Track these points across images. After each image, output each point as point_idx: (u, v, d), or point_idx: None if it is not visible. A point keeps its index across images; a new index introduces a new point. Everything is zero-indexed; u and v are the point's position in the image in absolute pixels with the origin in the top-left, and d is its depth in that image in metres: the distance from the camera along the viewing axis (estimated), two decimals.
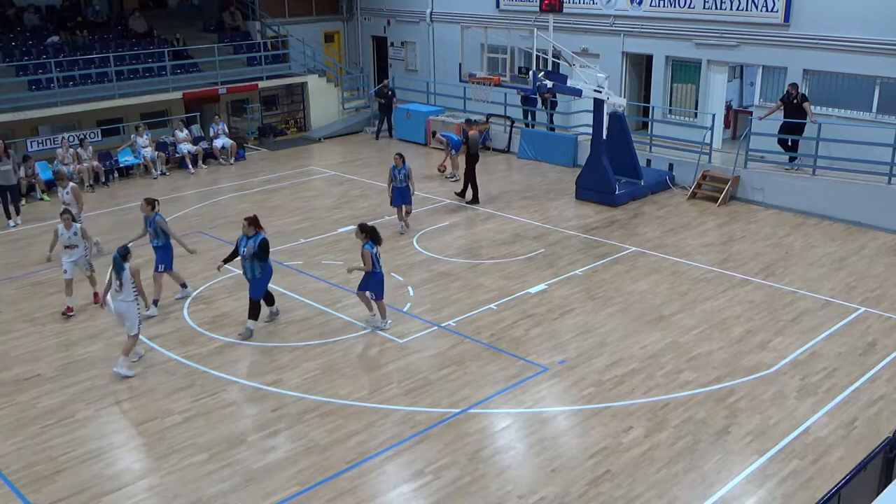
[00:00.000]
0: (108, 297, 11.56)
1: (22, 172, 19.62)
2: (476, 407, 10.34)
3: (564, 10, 19.12)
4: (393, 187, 16.53)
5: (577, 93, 18.26)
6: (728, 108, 21.90)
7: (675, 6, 21.07)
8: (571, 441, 9.66)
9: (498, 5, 25.20)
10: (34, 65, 22.38)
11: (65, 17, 25.24)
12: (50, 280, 14.77)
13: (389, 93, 26.20)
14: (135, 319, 11.19)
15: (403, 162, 16.49)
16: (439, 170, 21.03)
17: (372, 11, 29.96)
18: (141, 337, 12.32)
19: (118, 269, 11.07)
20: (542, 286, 14.08)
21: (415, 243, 16.20)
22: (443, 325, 12.65)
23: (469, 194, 18.83)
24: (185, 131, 23.04)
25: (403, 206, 16.75)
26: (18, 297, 14.11)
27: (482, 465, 9.16)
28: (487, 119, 24.28)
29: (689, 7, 20.79)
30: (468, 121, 18.18)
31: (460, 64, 19.42)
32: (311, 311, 13.21)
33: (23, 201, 19.53)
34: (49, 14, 25.26)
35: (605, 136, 18.43)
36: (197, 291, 14.05)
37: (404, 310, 13.20)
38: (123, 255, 11.14)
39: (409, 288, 14.05)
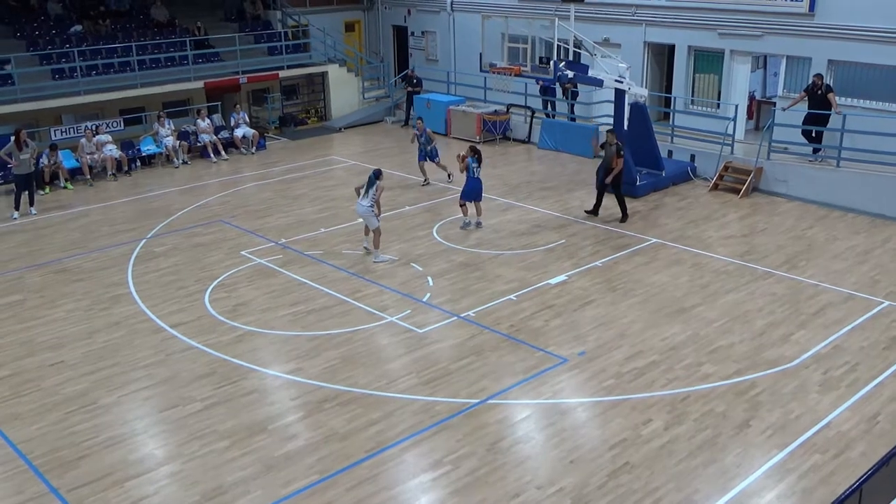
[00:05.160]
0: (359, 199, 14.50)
1: (45, 160, 19.84)
2: (495, 397, 10.35)
3: (586, 0, 18.97)
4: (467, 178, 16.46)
5: (599, 83, 18.16)
6: (751, 98, 21.69)
7: None
8: (591, 432, 9.65)
9: None
10: (57, 54, 22.54)
11: (87, 7, 25.37)
12: (74, 267, 14.92)
13: (415, 80, 26.20)
14: (372, 219, 14.48)
15: (475, 156, 16.26)
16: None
17: (392, 1, 29.92)
18: (163, 325, 12.47)
19: (370, 182, 14.42)
20: (562, 277, 14.05)
21: (434, 233, 16.20)
22: (462, 315, 12.66)
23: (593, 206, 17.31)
24: (207, 120, 23.13)
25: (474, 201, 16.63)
26: (42, 284, 14.26)
27: (501, 456, 9.17)
28: (508, 109, 24.20)
29: None
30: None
31: (481, 54, 19.35)
32: (332, 301, 13.26)
33: (47, 189, 19.75)
34: (72, 3, 25.40)
35: (626, 127, 18.32)
36: (217, 280, 14.13)
37: (423, 300, 13.22)
38: (377, 174, 14.48)
39: (429, 278, 14.07)
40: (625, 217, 16.74)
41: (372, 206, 14.51)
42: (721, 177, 19.03)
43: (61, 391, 10.70)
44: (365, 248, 15.27)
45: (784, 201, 18.06)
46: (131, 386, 10.81)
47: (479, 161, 16.30)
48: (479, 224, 16.52)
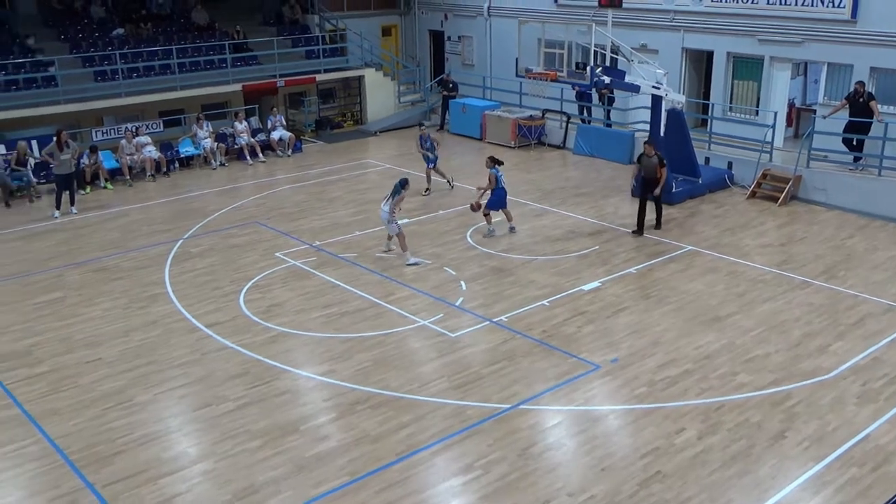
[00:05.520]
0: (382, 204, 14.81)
1: (86, 161, 20.19)
2: (526, 403, 10.32)
3: (624, 6, 18.88)
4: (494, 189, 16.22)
5: (635, 89, 18.06)
6: (791, 105, 21.41)
7: (737, 1, 20.67)
8: (622, 440, 9.58)
9: (556, 0, 25.01)
10: (100, 56, 22.94)
11: (130, 10, 25.81)
12: (113, 266, 15.16)
13: (451, 84, 26.27)
14: (391, 225, 14.73)
15: (496, 165, 16.08)
16: (473, 207, 16.53)
17: (429, 5, 30.02)
18: (198, 325, 12.60)
19: (395, 190, 14.62)
20: (595, 283, 13.97)
21: (468, 238, 16.21)
22: (494, 320, 12.64)
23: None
24: (244, 123, 23.38)
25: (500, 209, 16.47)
26: (82, 282, 14.50)
27: (532, 462, 9.14)
28: (543, 115, 24.14)
29: (752, 2, 20.38)
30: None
31: (517, 59, 19.35)
32: (365, 303, 13.31)
33: (87, 189, 20.09)
34: (115, 7, 25.85)
35: (662, 133, 18.18)
36: (252, 281, 14.26)
37: (456, 304, 13.22)
38: (403, 184, 14.63)
39: (462, 282, 14.07)
40: (659, 224, 16.53)
41: (392, 212, 14.67)
42: (759, 184, 18.80)
43: (98, 388, 10.86)
44: (384, 251, 15.39)
45: (823, 210, 17.79)
46: (167, 384, 10.94)
47: (500, 164, 16.24)
48: (512, 229, 16.48)
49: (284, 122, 24.47)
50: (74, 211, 18.40)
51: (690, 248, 15.59)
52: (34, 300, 13.72)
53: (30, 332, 12.54)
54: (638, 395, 10.46)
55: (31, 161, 19.90)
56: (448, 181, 19.56)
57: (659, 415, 10.02)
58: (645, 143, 16.56)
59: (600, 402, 10.36)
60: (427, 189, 19.28)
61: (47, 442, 9.64)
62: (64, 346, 12.09)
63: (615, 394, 10.54)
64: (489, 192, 16.13)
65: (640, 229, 16.27)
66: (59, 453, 9.41)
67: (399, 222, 15.05)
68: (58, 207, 18.23)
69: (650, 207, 16.44)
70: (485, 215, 16.29)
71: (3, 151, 20.13)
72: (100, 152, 20.70)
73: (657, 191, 16.15)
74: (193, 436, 9.84)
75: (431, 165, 19.39)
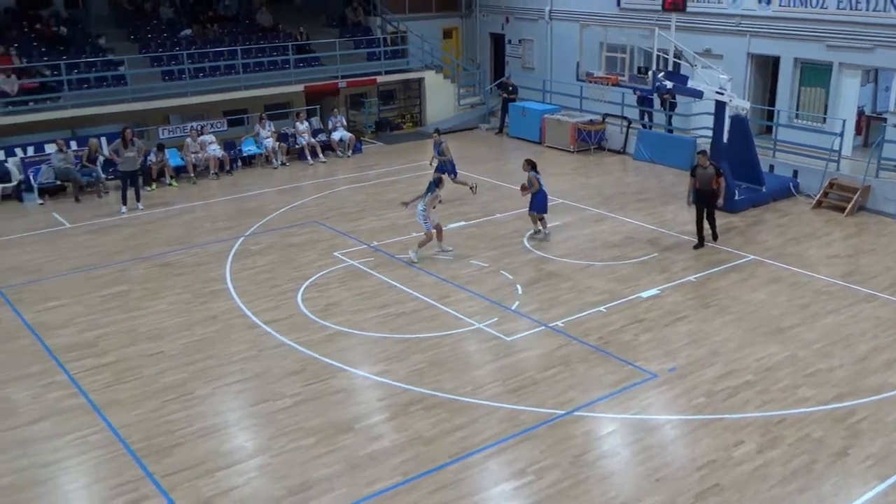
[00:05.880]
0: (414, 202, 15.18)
1: (153, 158, 20.70)
2: (581, 410, 10.23)
3: (688, 10, 18.62)
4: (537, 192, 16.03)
5: (698, 94, 17.78)
6: (860, 113, 20.84)
7: (806, 6, 20.21)
8: (679, 451, 9.43)
9: (619, 3, 24.77)
10: (167, 56, 23.48)
11: (197, 11, 26.38)
12: (176, 262, 15.49)
13: (510, 87, 26.23)
14: (422, 223, 14.88)
15: (534, 168, 15.99)
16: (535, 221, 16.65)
17: (491, 8, 30.02)
18: (257, 321, 12.80)
19: (429, 188, 14.78)
20: (653, 291, 13.79)
21: (525, 242, 16.15)
22: (550, 325, 12.57)
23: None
24: (305, 123, 23.69)
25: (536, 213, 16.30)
26: (146, 276, 14.85)
27: (585, 469, 9.06)
28: (603, 119, 23.94)
29: (821, 7, 19.90)
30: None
31: (578, 62, 19.20)
32: (421, 305, 13.37)
33: (153, 186, 20.59)
34: (183, 7, 26.44)
35: (725, 140, 17.87)
36: (310, 280, 14.43)
37: (512, 308, 13.18)
38: (437, 183, 14.84)
39: (518, 286, 14.02)
40: (715, 236, 16.03)
41: (424, 210, 14.81)
42: (825, 194, 18.34)
43: (160, 380, 11.11)
44: (441, 251, 15.46)
45: (893, 222, 17.27)
46: (225, 379, 11.13)
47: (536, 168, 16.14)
48: (547, 235, 16.33)
49: (345, 123, 24.72)
50: (140, 207, 18.85)
51: (753, 257, 15.28)
52: (101, 293, 14.11)
53: (96, 323, 12.90)
54: (696, 406, 10.29)
55: (101, 158, 20.46)
56: (471, 188, 18.70)
57: (717, 426, 9.84)
58: (699, 153, 15.90)
59: (657, 412, 10.22)
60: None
61: (110, 431, 9.90)
62: (128, 338, 12.40)
63: (672, 403, 10.39)
64: (530, 195, 16.06)
65: (700, 243, 15.78)
66: (121, 442, 9.65)
67: (435, 222, 15.16)
68: (124, 203, 18.71)
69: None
70: (540, 219, 16.23)
71: (75, 148, 20.73)
72: (166, 150, 21.20)
73: (719, 202, 15.65)
74: (250, 430, 10.00)
75: (453, 176, 18.86)
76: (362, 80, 25.82)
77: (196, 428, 9.96)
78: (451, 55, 29.57)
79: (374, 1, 28.63)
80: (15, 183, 19.96)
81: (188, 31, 25.06)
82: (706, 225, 15.86)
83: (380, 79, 26.24)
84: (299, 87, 24.55)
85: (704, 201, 15.61)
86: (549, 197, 16.34)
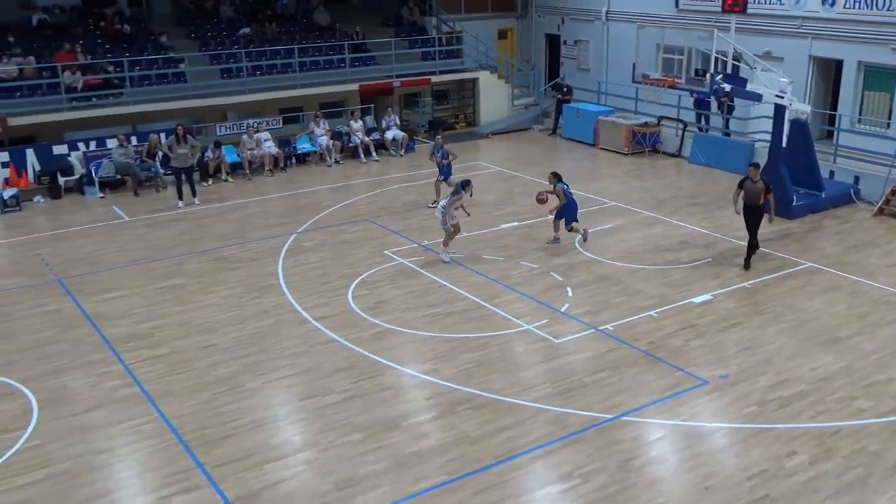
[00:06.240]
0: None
1: (210, 155, 21.09)
2: (630, 415, 10.13)
3: (748, 11, 18.28)
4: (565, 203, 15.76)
5: (757, 98, 17.46)
6: None
7: (872, 8, 19.69)
8: (729, 460, 9.27)
9: (677, 4, 24.44)
10: (226, 54, 23.88)
11: (256, 10, 26.77)
12: (230, 256, 15.75)
13: (565, 88, 26.08)
14: (442, 221, 14.97)
15: (561, 180, 15.65)
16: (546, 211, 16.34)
17: (546, 9, 29.88)
18: (308, 317, 12.94)
19: (455, 189, 15.10)
20: (706, 296, 13.58)
21: (576, 244, 16.04)
22: (600, 328, 12.47)
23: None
24: (359, 122, 23.88)
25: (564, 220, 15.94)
26: (201, 270, 15.13)
27: (633, 475, 8.97)
28: (659, 122, 23.66)
29: (887, 9, 19.37)
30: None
31: (634, 64, 19.04)
32: (470, 305, 13.37)
33: (210, 182, 20.96)
34: (243, 6, 26.86)
35: (784, 144, 17.51)
36: (360, 277, 14.54)
37: (562, 310, 13.11)
38: (464, 185, 15.09)
39: (568, 289, 13.94)
40: (748, 263, 14.72)
41: (445, 208, 14.90)
42: (888, 201, 17.84)
43: (212, 372, 11.31)
44: (444, 254, 15.30)
45: None
46: (276, 373, 11.29)
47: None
48: (556, 240, 16.06)
49: (398, 122, 24.85)
50: (196, 202, 19.20)
51: (810, 264, 14.95)
52: (157, 285, 14.42)
53: (152, 315, 13.19)
54: (747, 415, 10.11)
55: (160, 153, 20.90)
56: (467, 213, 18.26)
57: (769, 436, 9.66)
58: (750, 165, 14.93)
59: (707, 419, 10.06)
60: (435, 201, 17.94)
61: (163, 421, 10.11)
62: (182, 330, 12.65)
63: (723, 411, 10.22)
64: (556, 207, 15.62)
65: (746, 262, 14.75)
66: (173, 433, 9.85)
67: (452, 222, 15.04)
68: (180, 198, 19.08)
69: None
70: (570, 230, 15.75)
71: (135, 143, 21.22)
72: (223, 147, 21.57)
73: (770, 218, 14.85)
74: (299, 425, 10.12)
75: (443, 178, 18.45)
76: (417, 79, 25.91)
77: (246, 421, 10.11)
78: (506, 56, 29.51)
79: (429, 1, 28.73)
80: (77, 176, 20.52)
81: (247, 30, 25.44)
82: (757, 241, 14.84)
83: (434, 78, 26.31)
84: (354, 86, 24.76)
85: (750, 216, 14.67)
86: (596, 200, 15.93)
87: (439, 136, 19.48)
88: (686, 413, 10.16)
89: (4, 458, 9.40)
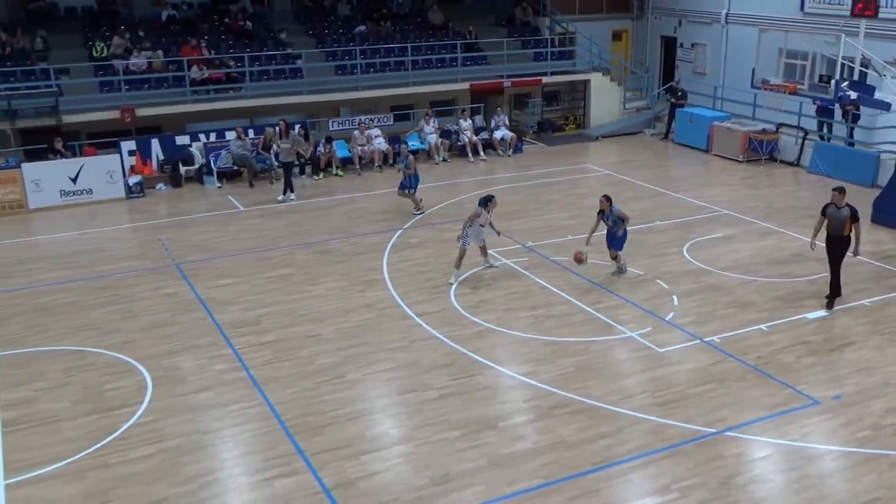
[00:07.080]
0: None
1: (322, 149, 21.64)
2: (734, 430, 9.81)
3: (880, 15, 17.42)
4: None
5: (885, 107, 16.66)
6: None
7: None
8: (838, 485, 8.86)
9: (802, 7, 23.45)
10: (342, 51, 24.42)
11: (372, 9, 27.27)
12: (336, 250, 16.11)
13: (679, 92, 25.50)
14: (463, 238, 14.22)
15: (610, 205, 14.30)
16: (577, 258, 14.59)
17: (663, 11, 29.25)
18: (410, 312, 13.09)
19: (478, 204, 14.36)
20: (821, 312, 13.01)
21: (684, 252, 15.65)
22: (706, 339, 12.12)
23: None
24: (469, 121, 23.99)
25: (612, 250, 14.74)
26: (308, 262, 15.53)
27: (734, 493, 8.68)
28: (777, 129, 22.81)
29: None
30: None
31: (753, 69, 18.42)
32: (572, 308, 13.24)
33: (321, 175, 21.51)
34: (359, 4, 27.41)
35: None
36: (463, 276, 14.60)
37: (666, 319, 12.82)
38: (485, 202, 14.34)
39: (674, 297, 13.62)
40: (831, 303, 13.17)
41: (465, 227, 14.20)
42: None
43: (315, 362, 11.59)
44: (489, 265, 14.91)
45: None
46: (376, 366, 11.47)
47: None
48: (620, 271, 14.59)
49: (507, 122, 24.84)
50: (293, 197, 19.65)
51: None
52: (266, 274, 14.88)
53: (260, 303, 13.62)
54: (860, 439, 9.63)
55: (275, 146, 21.56)
56: (418, 205, 18.30)
57: (883, 462, 9.18)
58: (834, 190, 13.05)
59: (817, 440, 9.65)
60: (418, 208, 18.30)
61: (267, 406, 10.43)
62: (289, 319, 13.01)
63: (834, 433, 9.78)
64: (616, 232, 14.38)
65: (830, 301, 13.17)
66: (276, 418, 10.15)
67: (468, 241, 14.28)
68: (285, 191, 19.64)
69: (843, 270, 13.25)
70: (614, 257, 14.60)
71: (252, 136, 21.97)
72: (334, 142, 22.09)
73: (853, 250, 12.99)
74: (396, 418, 10.25)
75: (407, 189, 18.13)
76: (527, 80, 25.83)
77: (346, 411, 10.32)
78: (620, 58, 29.05)
79: (543, 1, 28.58)
80: (197, 166, 21.41)
81: (362, 28, 25.94)
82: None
83: (545, 79, 26.17)
84: (465, 85, 24.89)
85: (833, 249, 13.14)
86: (708, 207, 14.88)
87: (406, 150, 19.00)
88: (794, 433, 9.77)
89: (121, 430, 9.91)
